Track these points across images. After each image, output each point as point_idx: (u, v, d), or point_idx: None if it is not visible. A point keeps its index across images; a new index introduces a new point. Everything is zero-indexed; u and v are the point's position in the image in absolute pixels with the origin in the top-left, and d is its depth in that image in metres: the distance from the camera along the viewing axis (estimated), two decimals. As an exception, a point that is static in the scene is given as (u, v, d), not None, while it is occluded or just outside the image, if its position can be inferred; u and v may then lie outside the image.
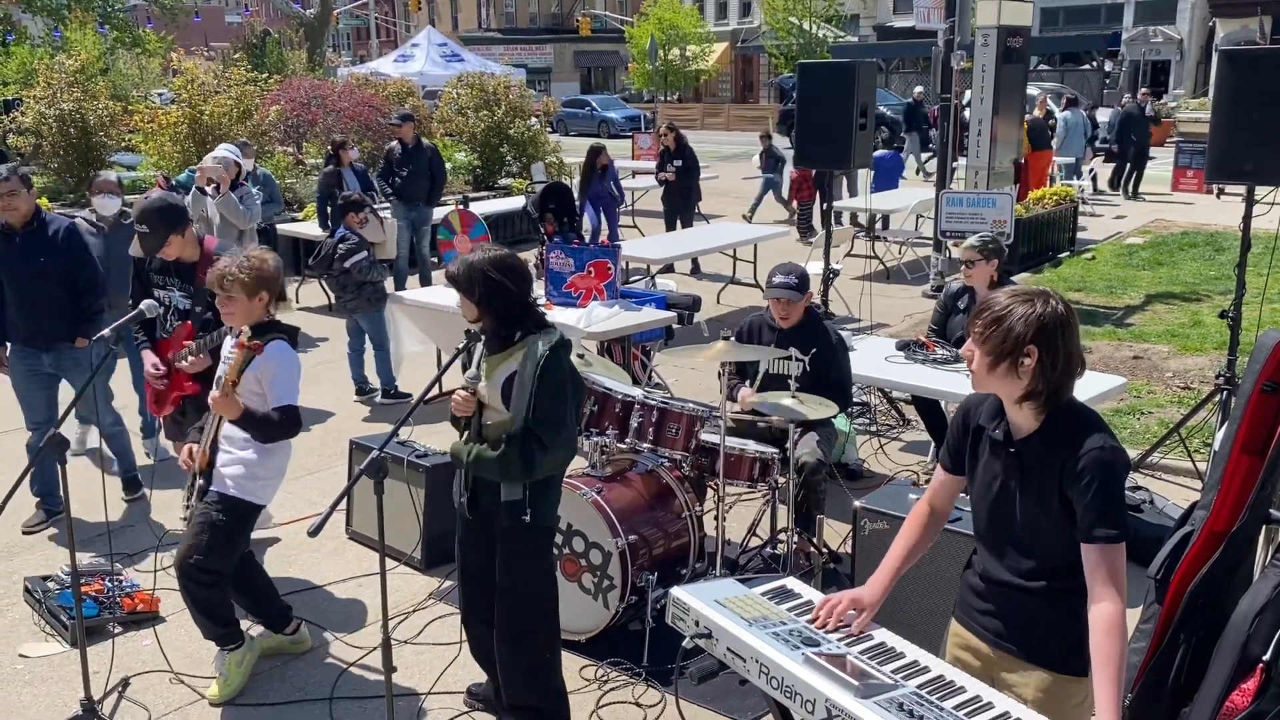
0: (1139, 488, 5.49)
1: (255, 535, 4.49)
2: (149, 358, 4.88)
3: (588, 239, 11.63)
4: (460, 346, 3.58)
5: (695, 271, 12.16)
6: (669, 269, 11.70)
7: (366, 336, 7.58)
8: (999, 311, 2.47)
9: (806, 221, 14.27)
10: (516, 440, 3.36)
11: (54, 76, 15.75)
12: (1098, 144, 19.54)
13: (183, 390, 4.74)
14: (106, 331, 3.94)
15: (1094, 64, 35.60)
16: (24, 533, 5.54)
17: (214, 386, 4.03)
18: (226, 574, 4.01)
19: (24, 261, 5.23)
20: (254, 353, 3.78)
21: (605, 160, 12.44)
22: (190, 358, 4.47)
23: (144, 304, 4.41)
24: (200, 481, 4.01)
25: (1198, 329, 9.14)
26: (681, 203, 12.60)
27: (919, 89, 22.60)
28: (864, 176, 13.81)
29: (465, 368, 3.58)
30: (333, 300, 10.20)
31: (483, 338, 3.53)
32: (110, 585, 4.69)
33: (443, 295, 7.34)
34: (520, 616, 3.57)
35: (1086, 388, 5.43)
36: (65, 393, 5.53)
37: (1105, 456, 2.41)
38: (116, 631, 4.53)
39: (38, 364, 5.42)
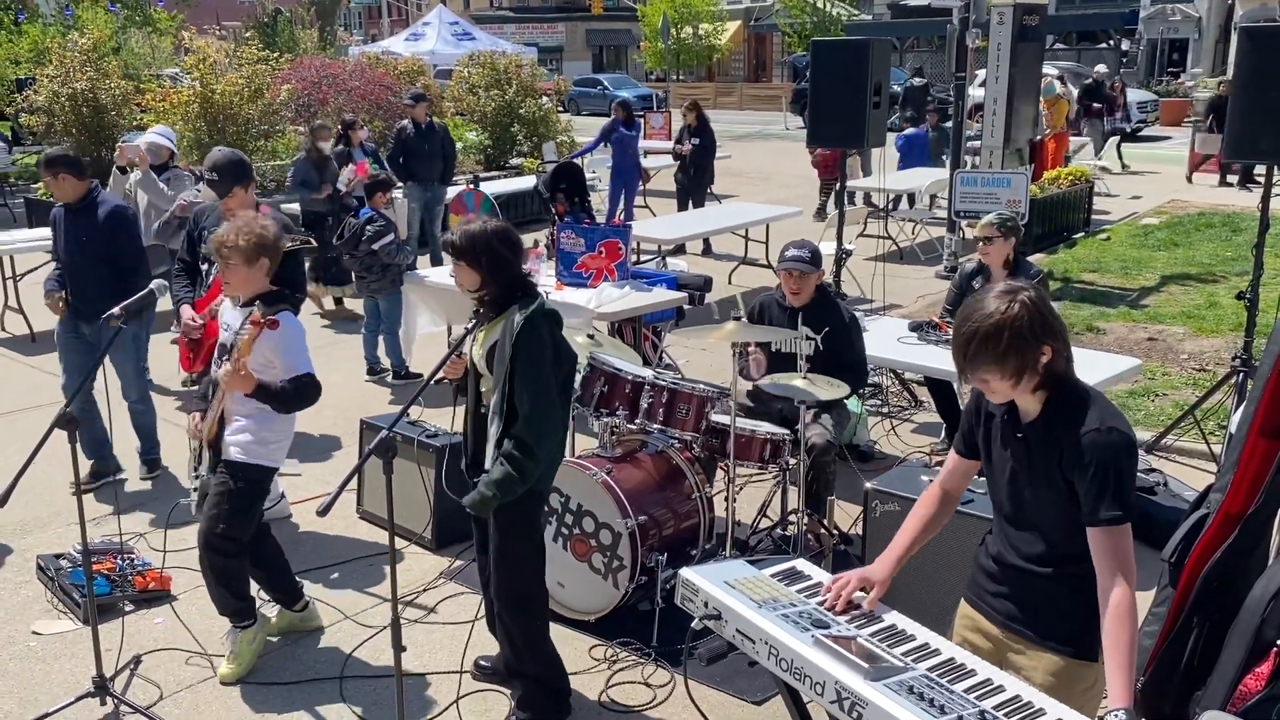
0: (1153, 470, 5.46)
1: (266, 515, 4.50)
2: (186, 311, 5.19)
3: (603, 218, 11.60)
4: (469, 326, 3.59)
5: (706, 250, 12.10)
6: (680, 249, 11.64)
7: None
8: (1002, 337, 2.39)
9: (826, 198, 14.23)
10: (503, 455, 3.45)
11: (67, 55, 15.74)
12: None
13: (216, 335, 4.79)
14: (115, 310, 3.96)
15: (1111, 43, 35.25)
16: (71, 494, 5.61)
17: (216, 353, 4.04)
18: (246, 541, 4.04)
19: (70, 237, 5.64)
20: (269, 328, 3.76)
21: (625, 113, 12.33)
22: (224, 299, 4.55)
23: (154, 284, 4.42)
24: (209, 454, 4.02)
25: (1214, 310, 9.07)
26: (695, 182, 12.51)
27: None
28: (877, 156, 13.69)
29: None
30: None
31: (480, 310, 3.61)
32: (122, 563, 4.71)
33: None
34: (514, 581, 3.64)
35: (1101, 369, 5.39)
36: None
37: (1102, 438, 2.39)
38: (128, 609, 4.55)
39: (78, 332, 5.76)
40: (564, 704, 3.82)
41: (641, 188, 13.31)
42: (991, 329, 2.40)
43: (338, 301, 9.67)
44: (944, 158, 15.37)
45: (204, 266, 5.21)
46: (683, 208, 12.51)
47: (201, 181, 5.15)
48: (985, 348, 2.41)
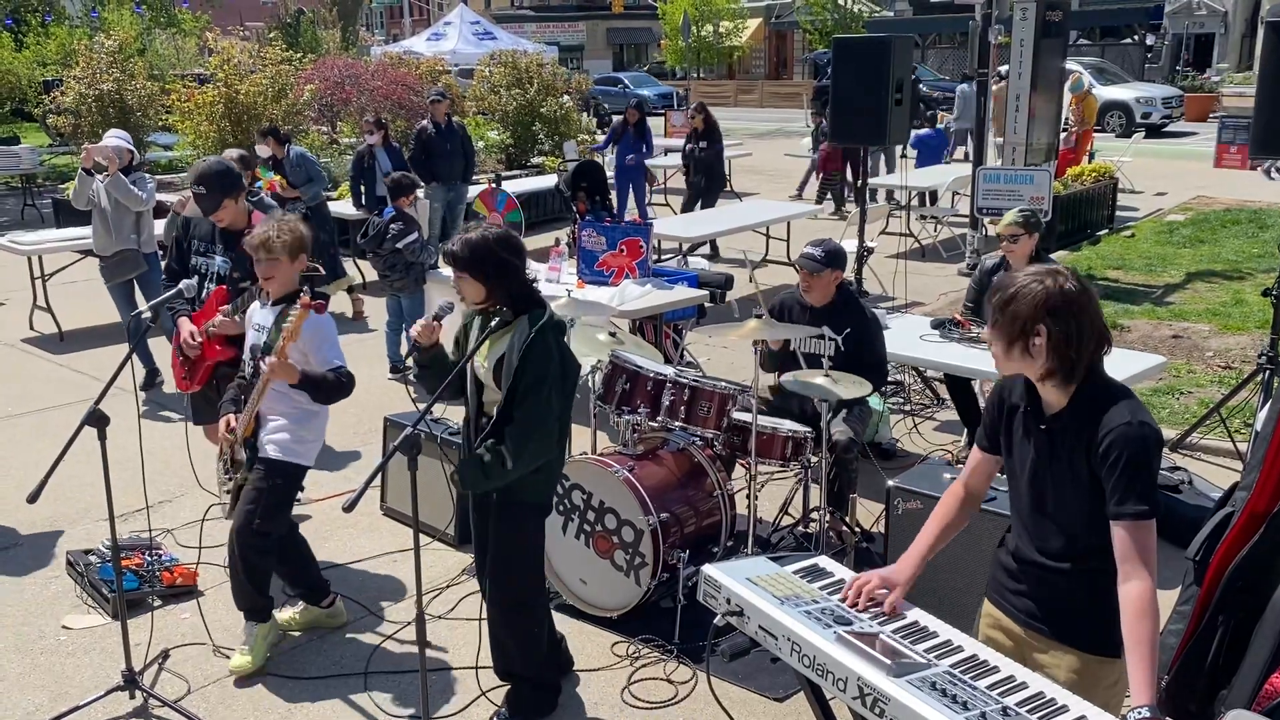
0: (1178, 468, 5.43)
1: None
2: (185, 326, 4.87)
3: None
4: (493, 325, 3.58)
5: (713, 255, 11.74)
6: (713, 247, 11.57)
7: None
8: (1007, 295, 2.49)
9: (837, 191, 14.21)
10: (487, 448, 3.44)
11: (93, 57, 15.90)
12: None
13: (214, 356, 4.78)
14: (144, 310, 4.00)
15: (1135, 38, 34.93)
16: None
17: (246, 355, 4.08)
18: (277, 538, 4.10)
19: None
20: (316, 311, 3.83)
21: (635, 116, 12.18)
22: (222, 319, 4.55)
23: (182, 283, 4.47)
24: (244, 452, 4.07)
25: (1240, 307, 8.99)
26: (706, 188, 12.08)
27: None
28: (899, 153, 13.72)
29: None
30: (366, 279, 10.28)
31: (481, 317, 3.60)
32: (150, 559, 4.77)
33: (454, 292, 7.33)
34: (510, 589, 3.67)
35: (1124, 367, 5.36)
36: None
37: (1131, 431, 2.38)
38: (156, 605, 4.60)
39: None
40: (553, 700, 3.88)
41: (655, 187, 13.21)
42: (1003, 285, 2.52)
43: (350, 290, 9.62)
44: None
45: (194, 279, 4.87)
46: (688, 209, 12.27)
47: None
48: (992, 301, 2.53)
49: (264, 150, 9.10)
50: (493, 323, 3.54)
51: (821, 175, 14.50)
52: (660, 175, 15.22)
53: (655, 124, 21.92)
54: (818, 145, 15.22)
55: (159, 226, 7.57)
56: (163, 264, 7.46)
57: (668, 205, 14.54)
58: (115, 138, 7.29)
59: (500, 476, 3.45)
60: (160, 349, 7.69)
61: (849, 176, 14.54)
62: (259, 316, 4.11)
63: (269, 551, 4.07)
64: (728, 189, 14.45)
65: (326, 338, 3.99)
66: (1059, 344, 2.43)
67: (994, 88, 15.15)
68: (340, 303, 9.54)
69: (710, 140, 12.05)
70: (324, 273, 5.62)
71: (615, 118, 12.46)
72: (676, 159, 13.57)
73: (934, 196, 13.12)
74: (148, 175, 7.43)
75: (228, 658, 4.22)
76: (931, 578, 3.86)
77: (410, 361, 3.74)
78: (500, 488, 3.52)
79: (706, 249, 11.83)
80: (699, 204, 12.22)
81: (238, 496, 4.11)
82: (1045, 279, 2.46)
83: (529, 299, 3.51)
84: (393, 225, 7.27)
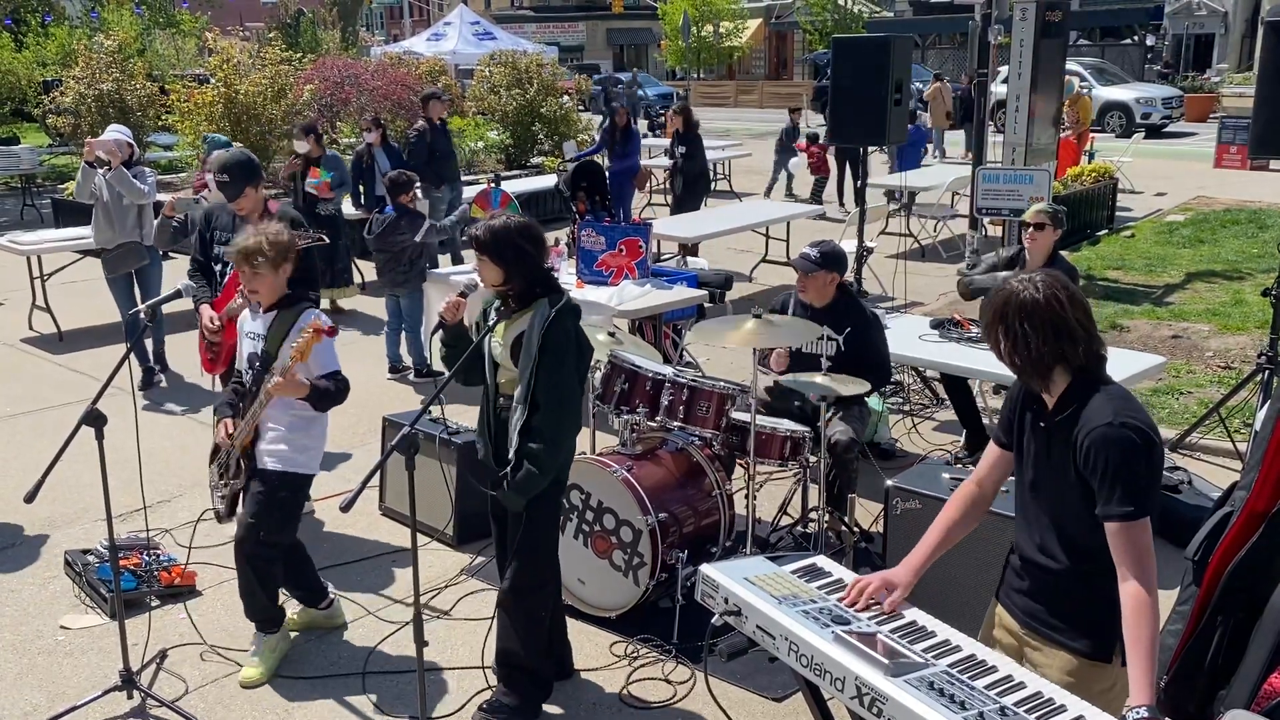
0: (1178, 468, 5.42)
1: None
2: (205, 312, 5.08)
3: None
4: (490, 325, 3.61)
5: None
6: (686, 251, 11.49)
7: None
8: (983, 303, 2.63)
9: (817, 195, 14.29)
10: (524, 454, 3.52)
11: (93, 57, 15.92)
12: None
13: (235, 337, 4.82)
14: (142, 308, 4.00)
15: (1135, 38, 34.95)
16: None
17: (244, 364, 4.06)
18: (284, 547, 4.09)
19: None
20: (329, 335, 3.83)
21: (622, 119, 11.98)
22: (240, 300, 4.62)
23: (180, 285, 4.46)
24: (245, 462, 4.04)
25: (1239, 308, 8.98)
26: (687, 194, 11.62)
27: None
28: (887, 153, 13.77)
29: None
30: (366, 280, 10.27)
31: (499, 301, 3.67)
32: (148, 559, 4.76)
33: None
34: (527, 570, 3.69)
35: (1124, 367, 5.35)
36: None
37: (1111, 433, 2.37)
38: (154, 605, 4.60)
39: None
40: (546, 694, 3.89)
41: (659, 184, 13.14)
42: (983, 304, 2.63)
43: (332, 303, 9.62)
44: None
45: (217, 267, 5.16)
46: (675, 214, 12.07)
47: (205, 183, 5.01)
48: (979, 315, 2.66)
49: (302, 147, 9.10)
50: (502, 307, 3.65)
51: (815, 178, 14.53)
52: (658, 176, 15.21)
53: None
54: (788, 147, 15.10)
55: None
56: (163, 263, 7.55)
57: (668, 205, 14.52)
58: (116, 132, 7.32)
59: (550, 466, 3.54)
60: (182, 342, 7.67)
61: (849, 177, 14.55)
62: (250, 325, 4.07)
63: (276, 560, 4.07)
64: (727, 189, 14.39)
65: (323, 344, 3.94)
66: (1009, 349, 2.50)
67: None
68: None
69: (690, 145, 11.40)
70: (327, 241, 5.73)
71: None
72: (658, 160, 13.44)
73: (912, 197, 13.07)
74: (148, 169, 7.45)
75: (225, 659, 4.22)
76: (934, 580, 3.85)
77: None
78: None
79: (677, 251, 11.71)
80: (682, 209, 11.95)
81: (233, 504, 4.10)
82: (1014, 286, 2.52)
83: (546, 285, 3.63)
84: (402, 220, 7.28)
